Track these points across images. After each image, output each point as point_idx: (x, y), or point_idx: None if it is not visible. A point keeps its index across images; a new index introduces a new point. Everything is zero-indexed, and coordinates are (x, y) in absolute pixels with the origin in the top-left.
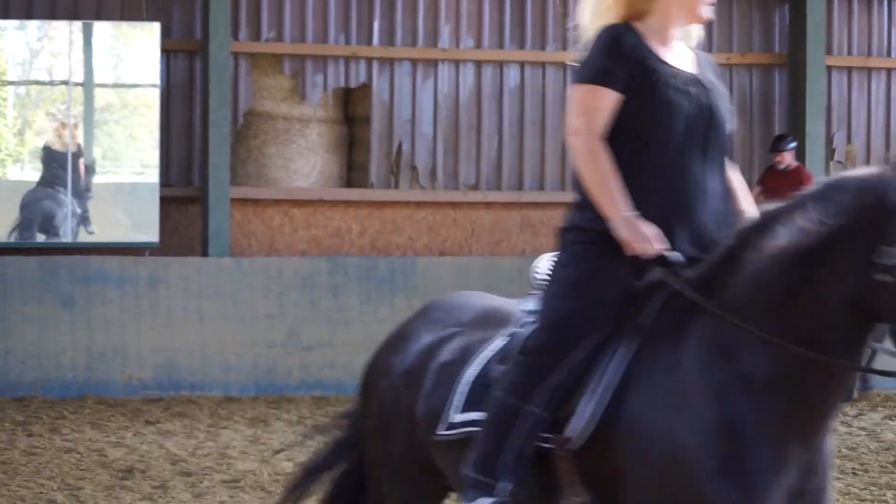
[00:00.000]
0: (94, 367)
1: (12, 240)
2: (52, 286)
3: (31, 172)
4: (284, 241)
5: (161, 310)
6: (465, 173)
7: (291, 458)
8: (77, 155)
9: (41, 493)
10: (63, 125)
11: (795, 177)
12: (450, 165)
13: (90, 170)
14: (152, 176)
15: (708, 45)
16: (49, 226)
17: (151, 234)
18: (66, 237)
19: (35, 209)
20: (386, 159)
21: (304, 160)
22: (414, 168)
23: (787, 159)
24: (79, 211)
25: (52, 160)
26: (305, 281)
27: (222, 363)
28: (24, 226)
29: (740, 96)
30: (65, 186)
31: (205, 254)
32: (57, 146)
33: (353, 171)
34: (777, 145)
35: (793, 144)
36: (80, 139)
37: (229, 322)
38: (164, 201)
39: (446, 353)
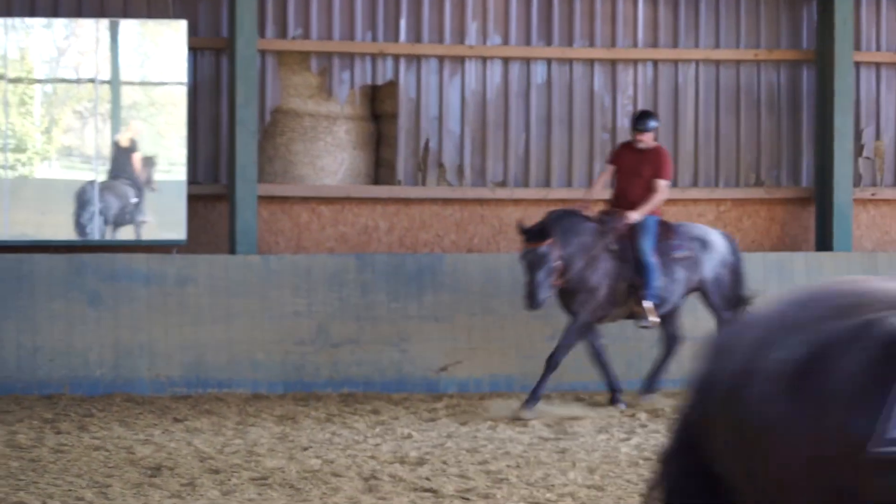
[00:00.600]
0: (121, 365)
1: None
2: (80, 284)
3: (59, 170)
4: (312, 238)
5: (189, 307)
6: (493, 170)
7: (320, 455)
8: (131, 150)
9: (70, 490)
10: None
11: (652, 157)
12: (477, 162)
13: (149, 163)
14: (179, 174)
15: (736, 41)
16: (107, 217)
17: (179, 232)
18: (93, 235)
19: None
20: (413, 156)
21: (331, 157)
22: (441, 165)
23: (647, 140)
24: (134, 200)
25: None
26: (333, 278)
27: (250, 360)
28: (81, 219)
29: (768, 93)
30: (130, 181)
31: (232, 251)
32: (123, 143)
33: (380, 168)
34: (638, 124)
35: (654, 124)
36: (134, 135)
37: (257, 319)
38: (192, 199)
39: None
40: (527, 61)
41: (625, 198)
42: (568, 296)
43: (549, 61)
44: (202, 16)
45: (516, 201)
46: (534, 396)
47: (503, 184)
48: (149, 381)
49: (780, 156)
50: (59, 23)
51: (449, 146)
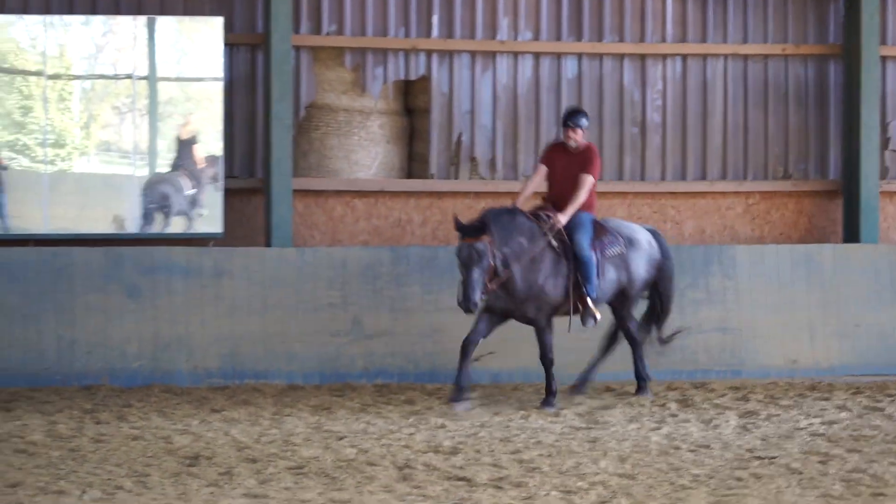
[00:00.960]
0: (159, 357)
1: (105, 230)
2: (118, 276)
3: (97, 165)
4: (346, 231)
5: (225, 299)
6: (524, 163)
7: (355, 444)
8: (191, 142)
9: (109, 479)
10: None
11: (582, 157)
12: (509, 156)
13: (213, 161)
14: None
15: (764, 36)
16: (164, 209)
17: (215, 226)
18: (132, 228)
19: (152, 194)
20: (446, 150)
21: (365, 151)
22: (473, 159)
23: (578, 138)
24: (192, 192)
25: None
26: (368, 270)
27: (286, 352)
28: (147, 212)
29: (795, 87)
30: (189, 173)
31: (268, 244)
32: (183, 136)
33: (413, 162)
34: (569, 120)
35: (586, 122)
36: (194, 128)
37: (293, 311)
38: (228, 193)
39: None
40: (557, 56)
41: (558, 200)
42: (515, 299)
43: (579, 56)
44: (238, 12)
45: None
46: (552, 392)
47: None
48: (186, 372)
49: (808, 149)
50: (98, 20)
51: (481, 140)
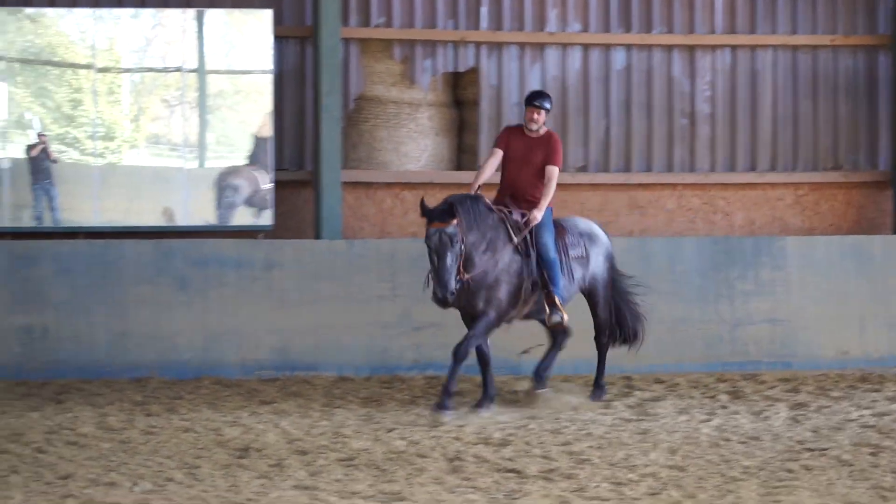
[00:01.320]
0: (210, 349)
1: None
2: (168, 269)
3: (147, 158)
4: (396, 223)
5: (275, 292)
6: (573, 155)
7: (405, 436)
8: (266, 138)
9: (159, 471)
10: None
11: (544, 144)
12: None
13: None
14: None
15: (812, 27)
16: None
17: (265, 218)
18: (182, 221)
19: (227, 185)
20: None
21: (414, 144)
22: None
23: (541, 121)
24: (267, 186)
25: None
26: (417, 262)
27: (336, 344)
28: (220, 204)
29: (845, 78)
30: (264, 168)
31: (318, 236)
32: (263, 132)
33: (462, 153)
34: (535, 100)
35: (550, 105)
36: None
37: (342, 303)
38: (278, 185)
39: None
40: (606, 48)
41: (515, 187)
42: (470, 293)
43: (628, 47)
44: (286, 4)
45: (596, 186)
46: (446, 392)
47: (584, 168)
48: (236, 364)
49: (858, 140)
50: (147, 13)
51: None
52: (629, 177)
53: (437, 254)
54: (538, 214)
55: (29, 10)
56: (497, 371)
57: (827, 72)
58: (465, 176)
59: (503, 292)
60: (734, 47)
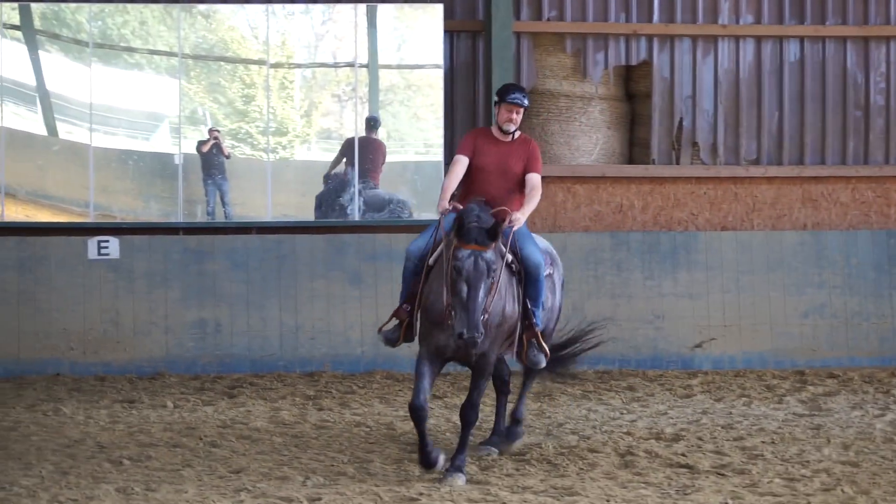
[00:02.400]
0: (382, 343)
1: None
2: (341, 263)
3: (319, 153)
4: (567, 217)
5: None
6: (746, 148)
7: (576, 431)
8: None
9: (332, 465)
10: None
11: (522, 150)
12: (730, 140)
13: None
14: (436, 155)
15: (863, 18)
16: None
17: (435, 211)
18: (353, 216)
19: (330, 187)
20: (667, 135)
21: (586, 137)
22: (695, 144)
23: (517, 121)
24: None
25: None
26: (589, 256)
27: None
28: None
29: None
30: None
31: None
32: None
33: (634, 147)
34: (512, 94)
35: (528, 101)
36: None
37: None
38: None
39: None
40: (779, 40)
41: (489, 200)
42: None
43: (801, 39)
44: None
45: (770, 179)
46: (458, 455)
47: (757, 161)
48: (409, 358)
49: None
50: (318, 8)
51: (702, 125)
52: (802, 169)
53: (467, 283)
54: (521, 217)
55: (202, 7)
56: (669, 366)
57: None
58: (636, 170)
59: (506, 326)
60: None
